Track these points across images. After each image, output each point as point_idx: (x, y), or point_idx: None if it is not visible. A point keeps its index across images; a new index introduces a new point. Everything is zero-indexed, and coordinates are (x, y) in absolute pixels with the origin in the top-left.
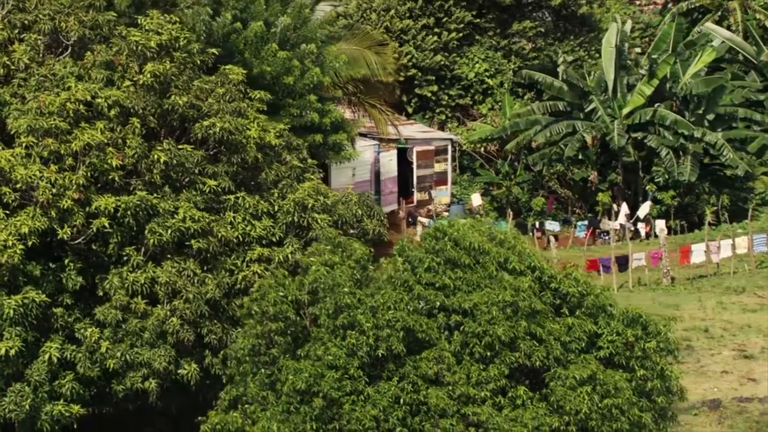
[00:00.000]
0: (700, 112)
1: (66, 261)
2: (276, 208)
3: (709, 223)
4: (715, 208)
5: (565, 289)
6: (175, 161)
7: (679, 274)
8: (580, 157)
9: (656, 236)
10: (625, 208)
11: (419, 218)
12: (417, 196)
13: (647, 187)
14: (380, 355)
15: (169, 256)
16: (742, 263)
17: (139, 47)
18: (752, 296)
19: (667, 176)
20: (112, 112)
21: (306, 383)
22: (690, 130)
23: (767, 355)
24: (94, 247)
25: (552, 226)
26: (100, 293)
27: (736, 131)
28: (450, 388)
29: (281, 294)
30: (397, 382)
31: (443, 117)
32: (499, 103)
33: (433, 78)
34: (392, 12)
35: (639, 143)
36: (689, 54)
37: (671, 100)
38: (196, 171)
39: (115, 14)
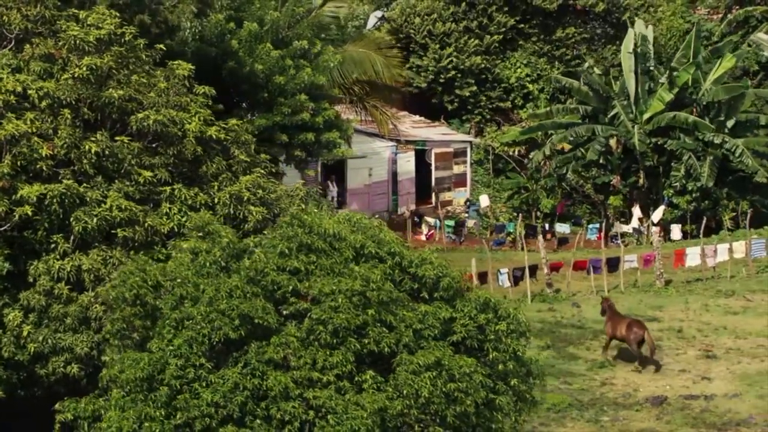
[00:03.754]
0: (721, 118)
1: None
2: (216, 200)
3: (728, 228)
4: (734, 213)
5: (422, 273)
6: (107, 152)
7: (677, 277)
8: (601, 161)
9: (671, 240)
10: (638, 212)
11: (425, 218)
12: (434, 197)
13: (664, 192)
14: (215, 342)
15: (96, 244)
16: (747, 268)
17: (78, 41)
18: (740, 299)
19: (684, 181)
20: (44, 104)
21: (144, 372)
22: (710, 132)
23: (730, 356)
24: (25, 234)
25: (562, 228)
26: (31, 280)
27: (758, 138)
28: (294, 372)
29: (138, 279)
30: (242, 368)
31: (479, 119)
32: None
33: (473, 81)
34: (435, 16)
35: (660, 148)
36: (714, 61)
37: (692, 107)
38: (133, 162)
39: (74, 10)
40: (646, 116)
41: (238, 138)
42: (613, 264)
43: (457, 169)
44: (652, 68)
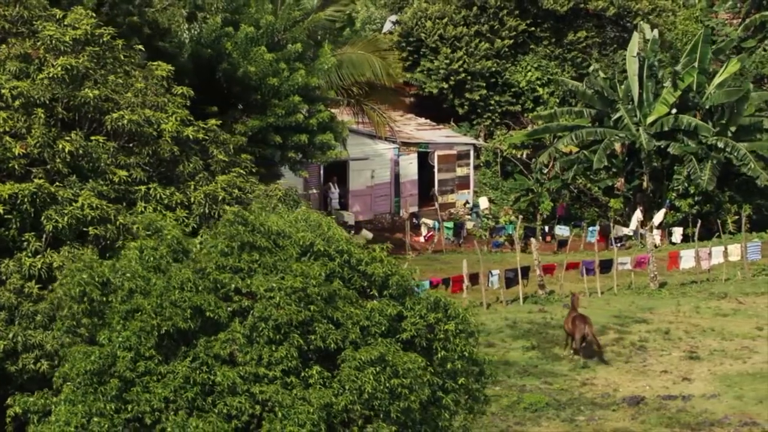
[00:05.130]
0: (724, 122)
1: None
2: (192, 199)
3: (729, 232)
4: (737, 217)
5: (371, 271)
6: (81, 151)
7: (673, 280)
8: (606, 164)
9: (672, 243)
10: (639, 215)
11: (423, 220)
12: (439, 199)
13: (667, 195)
14: (164, 332)
15: (68, 242)
16: (742, 271)
17: (54, 41)
18: (732, 302)
19: (686, 184)
20: (17, 103)
21: (95, 365)
22: (711, 134)
23: (713, 357)
24: None
25: (562, 230)
26: (3, 278)
27: (761, 142)
28: (241, 368)
29: (85, 276)
30: (190, 362)
31: (489, 122)
32: None
33: (484, 84)
34: (446, 20)
35: (663, 152)
36: (720, 63)
37: (695, 110)
38: (108, 162)
39: (56, 10)
40: (650, 119)
41: (217, 138)
42: (607, 266)
43: (460, 172)
44: (657, 72)
